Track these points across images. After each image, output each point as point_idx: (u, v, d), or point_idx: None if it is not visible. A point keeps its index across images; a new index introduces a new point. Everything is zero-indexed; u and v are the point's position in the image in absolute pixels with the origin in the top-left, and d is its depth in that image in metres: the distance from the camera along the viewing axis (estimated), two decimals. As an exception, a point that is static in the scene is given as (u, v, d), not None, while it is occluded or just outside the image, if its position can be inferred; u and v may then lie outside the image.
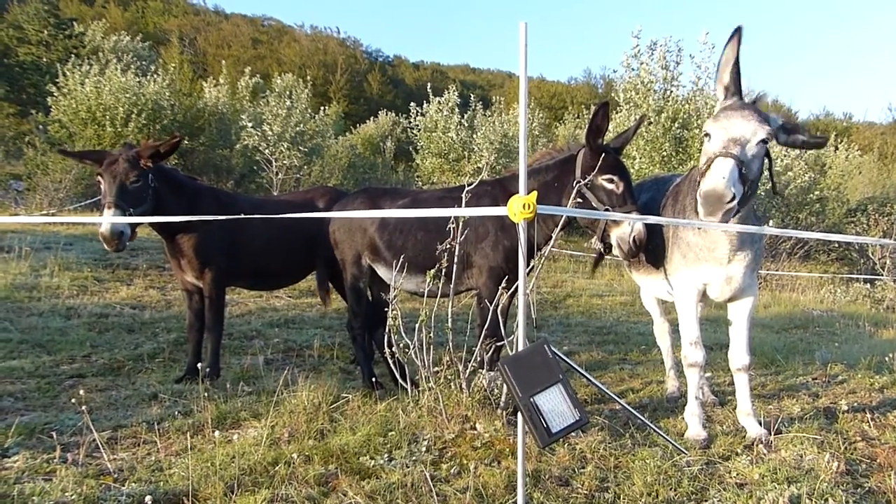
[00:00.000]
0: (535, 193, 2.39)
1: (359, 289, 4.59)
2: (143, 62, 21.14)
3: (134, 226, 4.31)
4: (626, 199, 3.73)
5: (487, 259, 4.07)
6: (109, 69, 15.59)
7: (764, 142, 3.06)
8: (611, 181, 3.73)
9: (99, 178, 4.28)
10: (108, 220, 4.10)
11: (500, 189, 4.19)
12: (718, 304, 3.76)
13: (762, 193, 13.09)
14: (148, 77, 16.00)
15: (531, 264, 3.70)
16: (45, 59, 21.61)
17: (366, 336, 4.65)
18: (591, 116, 3.75)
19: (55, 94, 15.17)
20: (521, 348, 2.42)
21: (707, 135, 3.18)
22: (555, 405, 2.10)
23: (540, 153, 4.28)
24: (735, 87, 3.24)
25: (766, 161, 3.25)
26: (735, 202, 2.89)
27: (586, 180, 3.70)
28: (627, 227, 3.65)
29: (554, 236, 3.79)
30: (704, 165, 3.04)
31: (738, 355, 3.53)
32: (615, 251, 3.84)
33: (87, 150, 4.96)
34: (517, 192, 2.44)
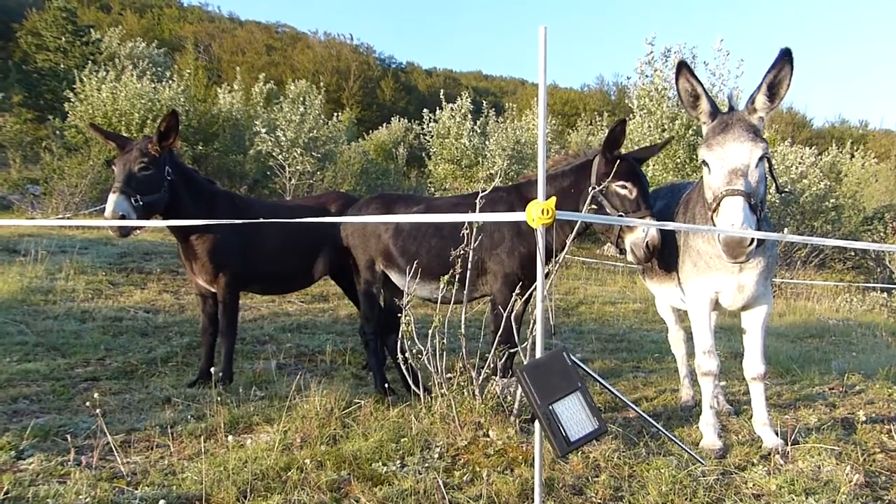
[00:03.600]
0: (553, 199, 2.38)
1: (372, 294, 4.59)
2: (159, 68, 21.35)
3: (141, 211, 4.20)
4: (641, 205, 3.73)
5: (503, 265, 4.06)
6: (125, 75, 15.78)
7: (762, 158, 3.01)
8: (624, 187, 3.75)
9: (114, 166, 4.33)
10: (110, 201, 4.09)
11: (516, 195, 4.19)
12: (733, 313, 3.72)
13: (776, 201, 13.00)
14: (163, 83, 16.17)
15: (546, 270, 3.69)
16: (62, 66, 21.86)
17: (378, 342, 4.64)
18: (610, 128, 3.80)
19: (72, 99, 15.37)
20: (538, 355, 2.40)
21: (705, 163, 3.14)
22: (573, 413, 2.07)
23: (555, 159, 4.28)
24: (713, 107, 3.23)
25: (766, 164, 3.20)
26: (755, 243, 2.89)
27: (601, 187, 3.70)
28: (641, 232, 3.66)
29: (568, 242, 3.78)
30: (713, 202, 3.00)
31: (753, 364, 3.49)
32: (629, 257, 3.83)
33: (116, 133, 5.00)
34: (533, 198, 2.43)
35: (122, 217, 4.10)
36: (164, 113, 14.35)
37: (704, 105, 3.23)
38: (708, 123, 3.22)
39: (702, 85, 3.24)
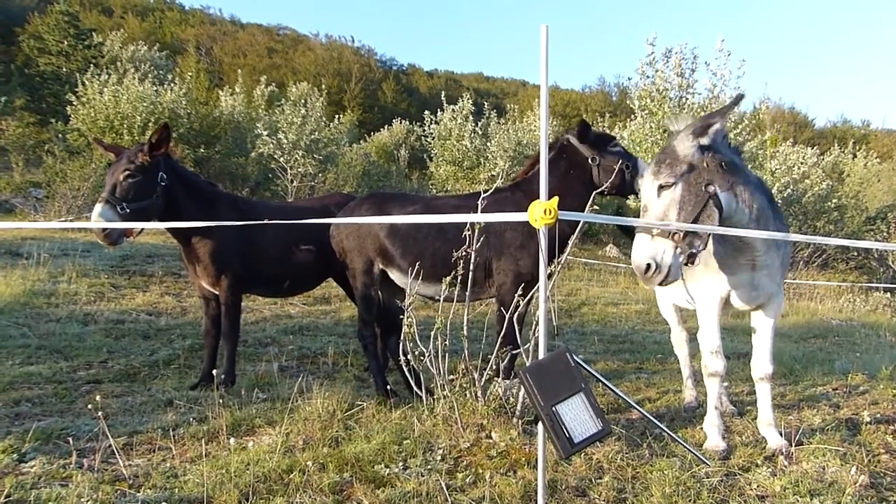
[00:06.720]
0: (556, 199, 2.38)
1: (370, 297, 4.56)
2: (161, 71, 21.38)
3: (130, 218, 4.16)
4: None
5: (517, 265, 4.05)
6: (127, 78, 15.77)
7: (662, 186, 3.04)
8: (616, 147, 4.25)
9: None
10: (95, 212, 4.07)
11: (521, 193, 4.19)
12: (735, 313, 3.70)
13: (779, 201, 12.97)
14: (165, 86, 16.17)
15: (549, 270, 3.69)
16: (64, 69, 21.89)
17: (377, 344, 4.63)
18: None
19: (74, 103, 15.37)
20: (541, 356, 2.39)
21: None
22: (577, 414, 2.06)
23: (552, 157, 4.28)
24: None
25: None
26: (659, 272, 2.92)
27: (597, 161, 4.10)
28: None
29: (571, 241, 3.78)
30: None
31: (762, 364, 3.47)
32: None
33: (115, 145, 4.96)
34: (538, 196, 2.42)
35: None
36: (164, 117, 14.48)
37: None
38: None
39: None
